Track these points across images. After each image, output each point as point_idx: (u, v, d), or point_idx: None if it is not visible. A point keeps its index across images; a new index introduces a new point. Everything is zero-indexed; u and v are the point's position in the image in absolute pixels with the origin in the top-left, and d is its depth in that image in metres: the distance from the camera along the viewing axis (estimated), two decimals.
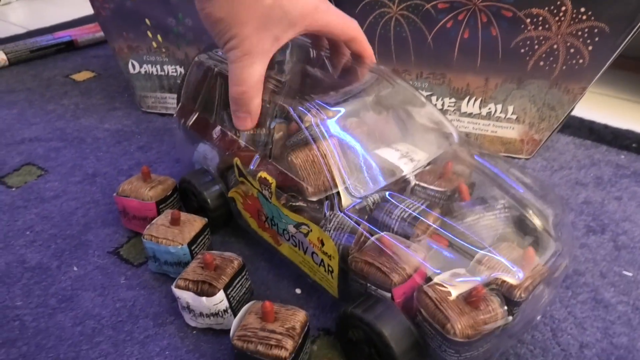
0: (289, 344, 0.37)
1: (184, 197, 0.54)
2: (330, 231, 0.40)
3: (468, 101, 0.63)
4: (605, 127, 0.71)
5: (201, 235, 0.48)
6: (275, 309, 0.39)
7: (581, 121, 0.73)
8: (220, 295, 0.41)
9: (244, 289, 0.44)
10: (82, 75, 0.90)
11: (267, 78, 0.44)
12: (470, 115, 0.64)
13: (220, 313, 0.42)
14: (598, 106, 0.79)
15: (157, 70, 0.73)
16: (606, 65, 0.56)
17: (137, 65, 0.73)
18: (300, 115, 0.41)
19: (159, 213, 0.51)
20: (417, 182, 0.43)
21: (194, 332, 0.43)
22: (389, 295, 0.37)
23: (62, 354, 0.42)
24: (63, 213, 0.57)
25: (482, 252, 0.36)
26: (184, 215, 0.48)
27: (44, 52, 0.97)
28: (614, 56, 0.55)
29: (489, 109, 0.63)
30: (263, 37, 0.40)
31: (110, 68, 0.93)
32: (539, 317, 0.39)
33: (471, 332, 0.34)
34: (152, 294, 0.47)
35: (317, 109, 0.42)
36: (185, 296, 0.41)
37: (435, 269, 0.36)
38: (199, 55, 0.52)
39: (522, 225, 0.40)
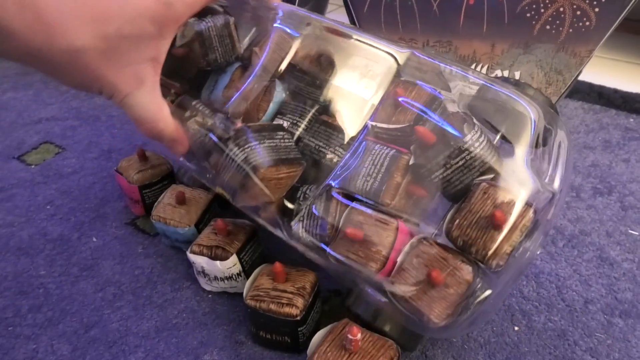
0: (300, 302, 0.38)
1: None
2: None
3: (475, 68, 0.63)
4: (615, 91, 0.71)
5: (208, 212, 0.49)
6: (286, 270, 0.40)
7: (590, 86, 0.72)
8: (234, 259, 0.43)
9: (257, 253, 0.46)
10: None
11: None
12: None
13: (233, 276, 0.43)
14: (607, 70, 0.79)
15: None
16: (613, 27, 0.56)
17: None
18: None
19: (142, 197, 0.52)
20: (374, 124, 0.37)
21: (210, 295, 0.45)
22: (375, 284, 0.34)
23: (85, 318, 0.44)
24: (81, 187, 0.59)
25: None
26: (188, 192, 0.50)
27: None
28: (620, 17, 0.55)
29: (496, 75, 0.63)
30: (127, 73, 0.32)
31: None
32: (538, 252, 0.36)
33: (451, 310, 0.31)
34: (168, 261, 0.49)
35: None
36: (200, 261, 0.43)
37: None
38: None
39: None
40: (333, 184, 0.36)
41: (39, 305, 0.45)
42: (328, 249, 0.35)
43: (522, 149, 0.33)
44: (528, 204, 0.31)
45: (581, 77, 0.74)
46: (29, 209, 0.56)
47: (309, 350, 0.35)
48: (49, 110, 0.75)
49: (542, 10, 0.56)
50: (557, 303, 0.43)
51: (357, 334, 0.33)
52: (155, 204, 0.49)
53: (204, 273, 0.44)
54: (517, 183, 0.32)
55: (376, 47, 0.39)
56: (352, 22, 0.65)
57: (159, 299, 0.45)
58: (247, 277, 0.44)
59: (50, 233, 0.53)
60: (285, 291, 0.39)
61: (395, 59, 0.39)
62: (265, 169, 0.35)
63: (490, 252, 0.31)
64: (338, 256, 0.34)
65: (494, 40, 0.60)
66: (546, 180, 0.33)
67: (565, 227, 0.50)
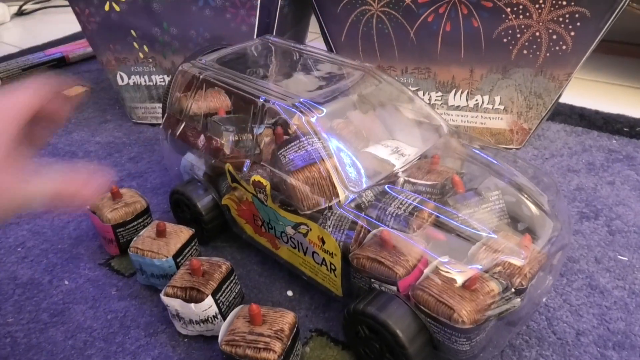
0: (278, 346, 0.36)
1: (176, 208, 0.54)
2: (329, 229, 0.39)
3: (455, 94, 0.63)
4: (596, 112, 0.71)
5: (188, 247, 0.48)
6: (263, 311, 0.38)
7: (571, 108, 0.72)
8: (209, 300, 0.41)
9: (234, 293, 0.44)
10: (73, 91, 0.90)
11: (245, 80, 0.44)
12: (457, 108, 0.63)
13: (210, 319, 0.41)
14: (588, 92, 0.79)
15: (145, 81, 0.74)
16: (590, 50, 0.55)
17: (125, 76, 0.74)
18: (289, 115, 0.41)
19: (116, 237, 0.50)
20: (406, 179, 0.42)
21: (185, 340, 0.43)
22: (394, 288, 0.37)
23: None
24: (54, 227, 0.57)
25: (484, 236, 0.36)
26: (170, 227, 0.48)
27: (35, 69, 0.98)
28: (596, 40, 0.54)
29: (476, 100, 0.62)
30: None
31: (101, 82, 0.93)
32: (544, 300, 0.39)
33: (478, 315, 0.34)
34: (143, 303, 0.47)
35: (307, 108, 0.41)
36: (174, 304, 0.41)
37: (438, 256, 0.36)
38: (182, 65, 0.52)
39: (517, 214, 0.39)
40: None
41: (5, 356, 0.43)
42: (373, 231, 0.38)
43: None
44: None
45: (562, 99, 0.74)
46: None
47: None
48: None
49: (519, 36, 0.56)
50: (548, 336, 0.41)
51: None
52: (135, 237, 0.47)
53: (178, 316, 0.42)
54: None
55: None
56: (330, 50, 0.64)
57: (132, 345, 0.43)
58: (225, 319, 0.42)
59: (20, 277, 0.51)
60: (262, 334, 0.37)
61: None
62: None
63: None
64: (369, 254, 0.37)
65: (472, 65, 0.60)
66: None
67: None
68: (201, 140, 0.50)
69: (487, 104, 0.62)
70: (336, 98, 0.44)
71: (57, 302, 0.48)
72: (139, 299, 0.47)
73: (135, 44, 0.70)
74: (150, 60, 0.71)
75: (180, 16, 0.66)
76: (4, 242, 0.55)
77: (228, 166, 0.46)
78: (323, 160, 0.40)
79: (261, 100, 0.43)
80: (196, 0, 0.65)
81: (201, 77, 0.49)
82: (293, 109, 0.41)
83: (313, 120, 0.41)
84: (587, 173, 0.60)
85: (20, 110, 0.33)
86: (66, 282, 0.50)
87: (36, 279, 0.50)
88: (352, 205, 0.39)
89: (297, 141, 0.42)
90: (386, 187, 0.40)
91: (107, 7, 0.67)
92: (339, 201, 0.39)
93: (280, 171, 0.41)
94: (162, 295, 0.42)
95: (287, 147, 0.42)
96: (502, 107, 0.62)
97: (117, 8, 0.67)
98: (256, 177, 0.43)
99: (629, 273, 0.47)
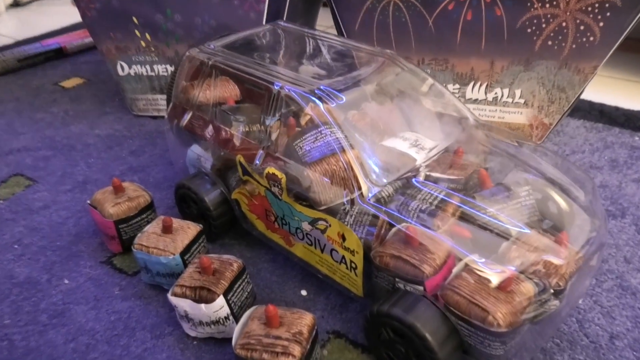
0: (297, 350, 0.34)
1: (181, 203, 0.51)
2: (348, 225, 0.37)
3: (473, 87, 0.60)
4: (617, 109, 0.68)
5: (195, 243, 0.45)
6: (280, 313, 0.36)
7: (591, 104, 0.70)
8: (220, 301, 0.38)
9: (246, 293, 0.41)
10: (71, 82, 0.88)
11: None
12: (475, 101, 0.61)
13: (221, 320, 0.39)
14: (607, 89, 0.76)
15: (146, 71, 0.71)
16: (618, 42, 0.53)
17: (126, 66, 0.71)
18: (307, 102, 0.39)
19: (119, 233, 0.48)
20: (427, 173, 0.40)
21: (195, 342, 0.40)
22: (421, 288, 0.34)
23: None
24: (52, 224, 0.54)
25: (516, 232, 0.34)
26: (176, 222, 0.45)
27: (32, 60, 0.94)
28: (626, 32, 0.52)
29: (495, 93, 0.60)
30: None
31: (100, 73, 0.90)
32: (580, 301, 0.36)
33: (513, 318, 0.31)
34: (148, 303, 0.44)
35: (326, 95, 0.39)
36: (183, 304, 0.38)
37: (469, 254, 0.33)
38: (190, 50, 0.49)
39: (550, 211, 0.37)
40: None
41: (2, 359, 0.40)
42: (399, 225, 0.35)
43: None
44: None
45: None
46: None
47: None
48: (20, 140, 0.70)
49: (544, 26, 0.54)
50: (580, 339, 0.39)
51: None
52: (139, 234, 0.44)
53: (187, 317, 0.39)
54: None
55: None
56: None
57: (138, 349, 0.40)
58: (237, 320, 0.40)
59: (17, 276, 0.48)
60: (279, 337, 0.34)
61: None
62: None
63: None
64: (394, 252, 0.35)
65: (493, 57, 0.57)
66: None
67: None
68: (209, 130, 0.47)
69: (507, 97, 0.60)
70: (357, 85, 0.41)
71: (57, 303, 0.45)
72: (143, 299, 0.45)
73: (136, 31, 0.67)
74: (153, 49, 0.68)
75: (184, 2, 0.63)
76: None
77: (239, 158, 0.43)
78: (344, 150, 0.37)
79: (276, 87, 0.41)
80: None
81: (210, 62, 0.46)
82: (312, 96, 0.39)
83: (333, 106, 0.38)
84: (610, 170, 0.58)
85: None
86: (66, 281, 0.47)
87: (34, 277, 0.47)
88: (374, 200, 0.37)
89: (315, 131, 0.39)
90: (413, 180, 0.38)
91: None
92: (361, 194, 0.36)
93: (297, 163, 0.39)
94: (169, 296, 0.39)
95: (304, 137, 0.39)
96: (522, 101, 0.59)
97: None
98: (270, 170, 0.40)
99: None
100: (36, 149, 0.68)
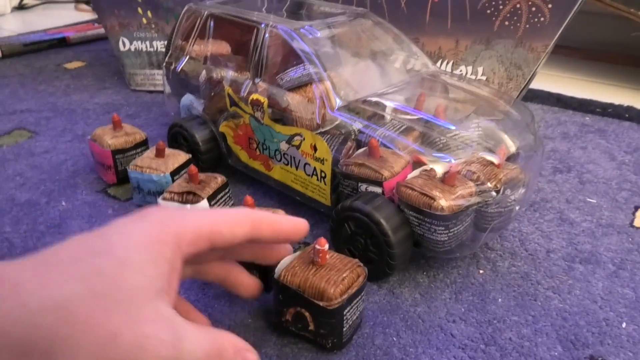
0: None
1: (173, 143, 0.57)
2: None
3: (441, 64, 0.67)
4: (572, 97, 0.76)
5: (184, 168, 0.50)
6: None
7: (549, 93, 0.77)
8: (204, 203, 0.43)
9: (228, 206, 0.46)
10: (73, 65, 0.94)
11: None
12: None
13: None
14: (564, 86, 0.84)
15: (146, 47, 0.77)
16: (566, 22, 0.60)
17: (127, 42, 0.77)
18: (291, 37, 0.45)
19: (115, 163, 0.52)
20: (392, 116, 0.45)
21: None
22: (380, 189, 0.39)
23: None
24: (52, 164, 0.59)
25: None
26: (168, 150, 0.51)
27: (37, 46, 1.00)
28: (572, 12, 0.60)
29: (461, 70, 0.67)
30: None
31: (101, 58, 0.96)
32: (517, 208, 0.42)
33: (455, 205, 0.37)
34: None
35: (308, 32, 0.45)
36: (171, 206, 0.43)
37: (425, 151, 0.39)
38: (188, 5, 0.55)
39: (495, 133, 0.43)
40: None
41: (1, 256, 0.44)
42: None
43: None
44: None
45: (540, 87, 0.79)
46: None
47: (277, 270, 0.35)
48: (24, 104, 0.75)
49: (501, 7, 0.61)
50: (521, 252, 0.44)
51: (324, 244, 0.33)
52: (135, 159, 0.50)
53: None
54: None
55: None
56: None
57: None
58: None
59: (18, 199, 0.52)
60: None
61: None
62: None
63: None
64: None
65: (458, 36, 0.65)
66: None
67: None
68: (202, 75, 0.53)
69: (471, 74, 0.66)
70: (334, 28, 0.48)
71: (54, 218, 0.49)
72: None
73: (139, 9, 0.74)
74: (153, 26, 0.75)
75: None
76: (2, 174, 0.57)
77: (227, 89, 0.49)
78: (321, 76, 0.43)
79: (263, 26, 0.47)
80: None
81: (205, 13, 0.52)
82: (294, 32, 0.45)
83: (311, 38, 0.44)
84: (562, 140, 0.64)
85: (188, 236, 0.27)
86: (63, 203, 0.51)
87: (34, 200, 0.52)
88: (342, 110, 0.42)
89: (295, 63, 0.45)
90: (380, 100, 0.43)
91: None
92: (332, 106, 0.42)
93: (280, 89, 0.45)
94: (159, 200, 0.44)
95: (286, 71, 0.45)
96: (484, 78, 0.66)
97: None
98: (254, 96, 0.46)
99: (596, 211, 0.50)
100: (39, 111, 0.73)
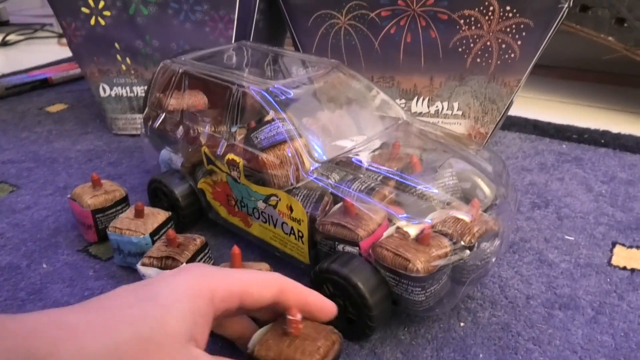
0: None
1: (154, 198, 0.57)
2: (297, 197, 0.43)
3: (417, 101, 0.68)
4: (549, 123, 0.77)
5: (164, 227, 0.50)
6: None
7: (526, 120, 0.78)
8: None
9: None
10: (55, 107, 0.94)
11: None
12: (420, 114, 0.68)
13: None
14: (540, 109, 0.85)
15: (126, 92, 0.77)
16: (536, 57, 0.62)
17: (107, 88, 0.77)
18: (263, 98, 0.45)
19: (95, 222, 0.52)
20: (368, 166, 0.46)
21: None
22: (356, 249, 0.40)
23: None
24: (34, 221, 0.59)
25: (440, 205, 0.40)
26: (147, 209, 0.51)
27: (19, 89, 1.01)
28: (541, 48, 0.61)
29: (437, 106, 0.67)
30: None
31: (83, 100, 0.97)
32: (493, 260, 0.42)
33: (431, 266, 0.37)
34: (120, 282, 0.49)
35: (279, 92, 0.46)
36: (150, 272, 0.43)
37: (399, 215, 0.40)
38: (164, 62, 0.56)
39: (467, 187, 0.43)
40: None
41: None
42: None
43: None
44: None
45: (517, 113, 0.80)
46: None
47: (250, 345, 0.35)
48: (5, 154, 0.75)
49: (472, 45, 0.62)
50: (500, 300, 0.45)
51: (296, 313, 0.33)
52: (114, 220, 0.50)
53: None
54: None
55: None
56: None
57: None
58: None
59: None
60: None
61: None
62: None
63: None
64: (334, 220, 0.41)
65: (432, 74, 0.66)
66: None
67: None
68: (179, 131, 0.53)
69: (447, 109, 0.67)
70: (305, 84, 0.48)
71: (35, 283, 0.49)
72: (115, 278, 0.49)
73: (118, 56, 0.74)
74: (133, 72, 0.75)
75: (162, 29, 0.71)
76: None
77: (204, 149, 0.49)
78: (293, 137, 0.44)
79: (235, 87, 0.47)
80: (177, 14, 0.70)
81: (180, 71, 0.53)
82: (266, 93, 0.45)
83: (283, 99, 0.45)
84: (539, 171, 0.65)
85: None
86: (44, 266, 0.51)
87: (15, 263, 0.52)
88: (315, 173, 0.43)
89: (269, 123, 0.45)
90: (353, 159, 0.44)
91: (92, 22, 0.72)
92: (305, 169, 0.43)
93: (254, 149, 0.45)
94: (138, 266, 0.44)
95: (260, 129, 0.46)
96: (460, 113, 0.67)
97: (102, 22, 0.72)
98: (230, 156, 0.47)
99: (574, 249, 0.51)
100: (20, 161, 0.73)
